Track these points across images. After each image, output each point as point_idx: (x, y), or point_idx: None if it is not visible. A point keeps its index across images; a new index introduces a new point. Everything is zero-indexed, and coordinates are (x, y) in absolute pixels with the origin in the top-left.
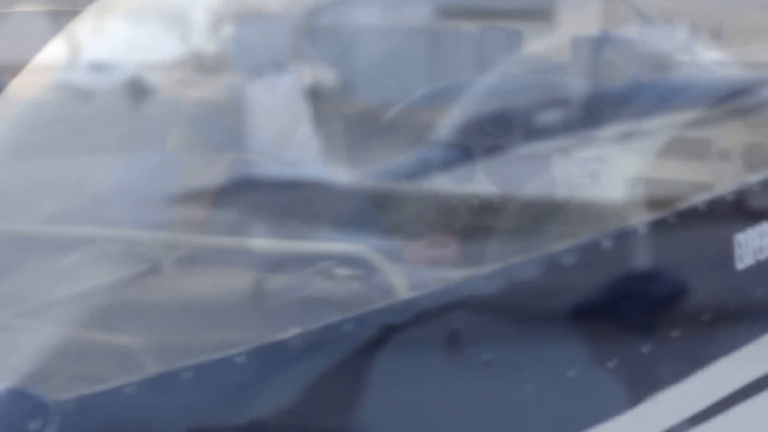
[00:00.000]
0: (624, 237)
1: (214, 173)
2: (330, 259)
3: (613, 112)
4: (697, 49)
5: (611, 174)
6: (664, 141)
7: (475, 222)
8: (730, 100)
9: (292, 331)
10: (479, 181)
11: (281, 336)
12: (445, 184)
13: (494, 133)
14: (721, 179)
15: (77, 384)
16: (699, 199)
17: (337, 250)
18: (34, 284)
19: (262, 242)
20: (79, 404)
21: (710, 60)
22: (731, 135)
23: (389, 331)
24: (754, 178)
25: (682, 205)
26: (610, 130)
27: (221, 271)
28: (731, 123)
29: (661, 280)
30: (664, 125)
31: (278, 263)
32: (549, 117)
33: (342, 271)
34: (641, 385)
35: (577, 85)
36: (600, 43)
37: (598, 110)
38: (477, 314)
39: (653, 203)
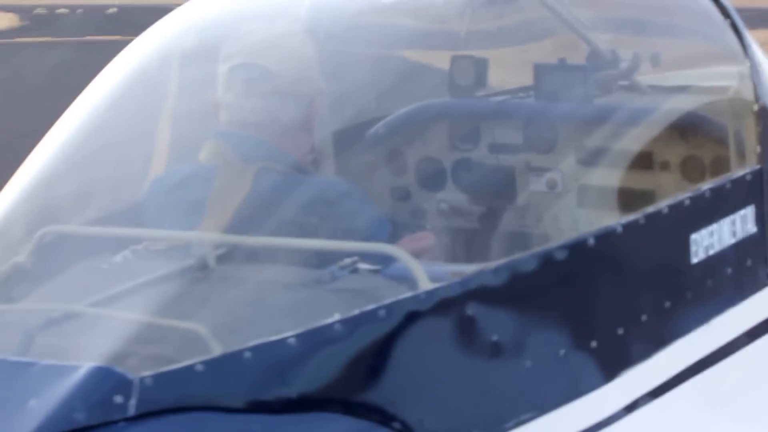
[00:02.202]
0: (605, 235)
1: (244, 180)
2: (358, 254)
3: (569, 129)
4: (639, 75)
5: (566, 183)
6: (612, 154)
7: (445, 223)
8: (669, 118)
9: (335, 317)
10: (449, 189)
11: (325, 321)
12: (418, 191)
13: (464, 147)
14: (661, 187)
15: (150, 364)
16: (663, 203)
17: (365, 248)
18: (93, 280)
19: (296, 241)
20: (157, 380)
21: (650, 84)
22: (670, 149)
23: (415, 317)
24: (706, 185)
25: (649, 209)
26: (565, 144)
27: (259, 267)
28: (670, 138)
29: (632, 272)
30: (612, 140)
31: (309, 259)
32: (512, 133)
33: (366, 266)
34: (616, 362)
35: (538, 106)
36: (558, 70)
37: (555, 127)
38: (487, 302)
39: (603, 207)
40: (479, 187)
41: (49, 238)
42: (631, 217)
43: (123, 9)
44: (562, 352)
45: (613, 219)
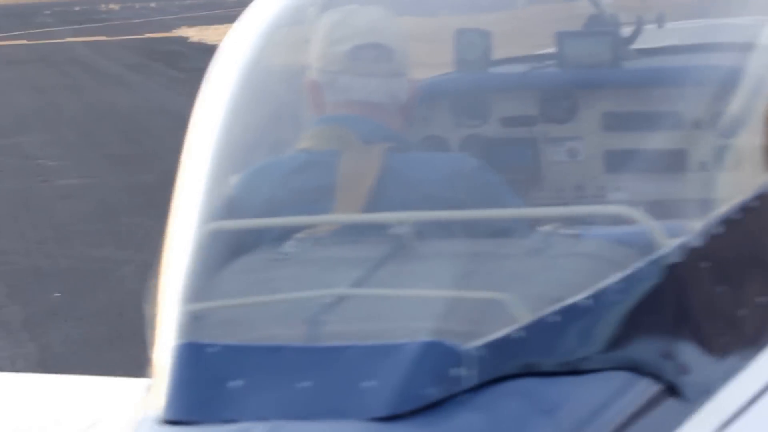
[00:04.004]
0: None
1: (372, 162)
2: (590, 217)
3: (590, 96)
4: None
5: (589, 150)
6: (639, 116)
7: None
8: (698, 75)
9: (615, 277)
10: None
11: (607, 282)
12: None
13: (471, 123)
14: (693, 145)
15: (462, 337)
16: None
17: (599, 211)
18: (283, 268)
19: (518, 211)
20: (483, 351)
21: (662, 45)
22: (702, 106)
23: (674, 270)
24: None
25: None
26: (587, 111)
27: (458, 241)
28: (701, 95)
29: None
30: (638, 102)
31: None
32: (527, 105)
33: (567, 231)
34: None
35: (558, 74)
36: (584, 36)
37: (574, 94)
38: (717, 252)
39: (633, 170)
40: (491, 163)
41: (215, 235)
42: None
43: None
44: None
45: (645, 180)
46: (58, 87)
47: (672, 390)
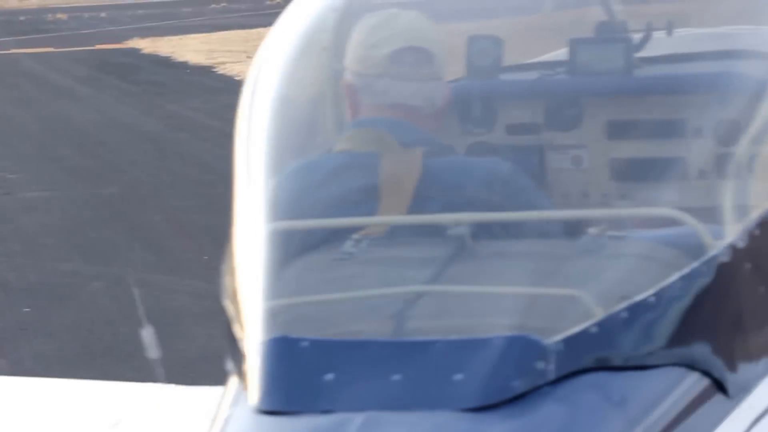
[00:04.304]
0: None
1: (413, 164)
2: (639, 219)
3: (595, 103)
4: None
5: (593, 158)
6: (643, 124)
7: None
8: (701, 83)
9: (675, 276)
10: None
11: (668, 280)
12: None
13: (477, 131)
14: (692, 153)
15: (542, 331)
16: None
17: (647, 213)
18: (347, 267)
19: (574, 212)
20: (563, 345)
21: (671, 53)
22: (703, 113)
23: (724, 269)
24: None
25: None
26: (592, 119)
27: (510, 242)
28: (704, 103)
29: None
30: (642, 110)
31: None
32: (532, 112)
33: (614, 233)
34: None
35: (564, 82)
36: (597, 43)
37: (579, 102)
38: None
39: (635, 178)
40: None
41: (281, 234)
42: None
43: None
44: None
45: (646, 188)
46: (5, 100)
47: (718, 386)
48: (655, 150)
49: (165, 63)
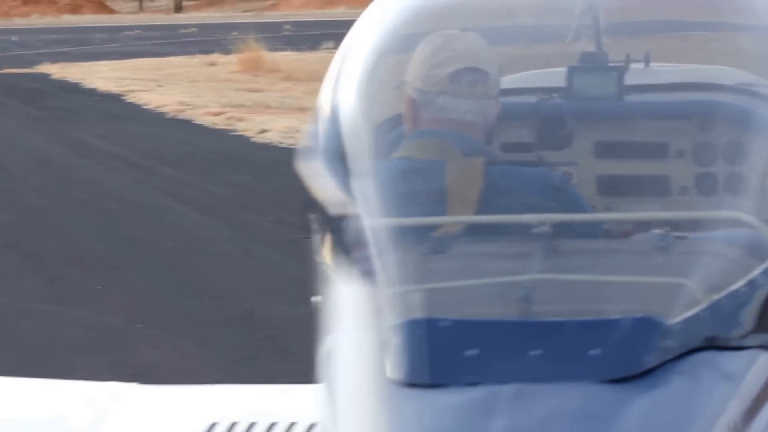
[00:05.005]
0: None
1: (476, 172)
2: (710, 221)
3: (585, 125)
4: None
5: (581, 174)
6: (629, 146)
7: None
8: (683, 110)
9: (759, 269)
10: None
11: (753, 273)
12: None
13: None
14: (675, 172)
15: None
16: None
17: (718, 216)
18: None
19: (650, 214)
20: (680, 326)
21: (651, 80)
22: (684, 137)
23: None
24: None
25: None
26: (582, 140)
27: (587, 240)
28: (685, 127)
29: None
30: (629, 133)
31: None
32: (526, 133)
33: (676, 233)
34: None
35: (557, 106)
36: (593, 72)
37: (569, 124)
38: None
39: (621, 193)
40: None
41: (390, 230)
42: None
43: None
44: None
45: (632, 204)
46: None
47: None
48: (638, 168)
49: (74, 89)
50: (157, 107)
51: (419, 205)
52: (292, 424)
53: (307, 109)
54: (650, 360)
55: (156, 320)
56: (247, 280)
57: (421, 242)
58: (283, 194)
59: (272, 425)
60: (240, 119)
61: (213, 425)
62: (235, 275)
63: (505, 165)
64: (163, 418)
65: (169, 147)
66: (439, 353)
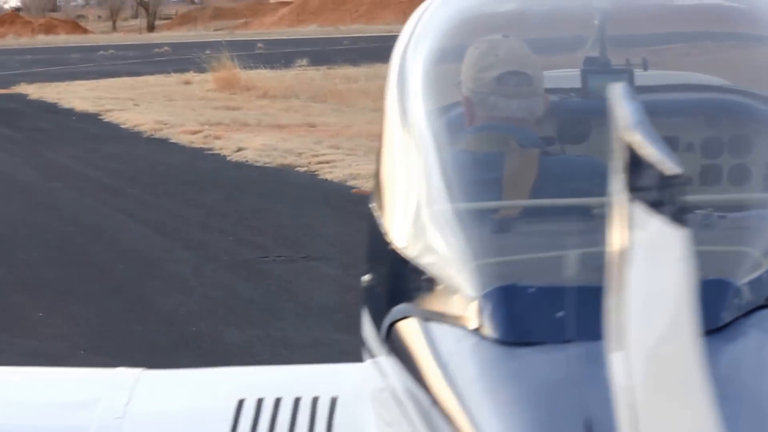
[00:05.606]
0: None
1: (532, 162)
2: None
3: (602, 121)
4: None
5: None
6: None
7: None
8: (692, 107)
9: None
10: None
11: None
12: None
13: None
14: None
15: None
16: None
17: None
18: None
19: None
20: (748, 286)
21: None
22: (693, 132)
23: None
24: None
25: None
26: (599, 134)
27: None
28: (694, 123)
29: None
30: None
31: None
32: (549, 128)
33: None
34: None
35: (577, 104)
36: (607, 73)
37: (589, 122)
38: None
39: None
40: None
41: (471, 213)
42: None
43: None
44: None
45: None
46: None
47: None
48: None
49: (50, 109)
50: (134, 126)
51: (479, 194)
52: (315, 399)
53: (285, 126)
54: (726, 316)
55: (99, 346)
56: (194, 302)
57: (475, 224)
58: (248, 214)
59: (297, 400)
60: (217, 137)
61: (241, 402)
62: (182, 297)
63: (557, 155)
64: (191, 400)
65: (142, 167)
66: (530, 313)
